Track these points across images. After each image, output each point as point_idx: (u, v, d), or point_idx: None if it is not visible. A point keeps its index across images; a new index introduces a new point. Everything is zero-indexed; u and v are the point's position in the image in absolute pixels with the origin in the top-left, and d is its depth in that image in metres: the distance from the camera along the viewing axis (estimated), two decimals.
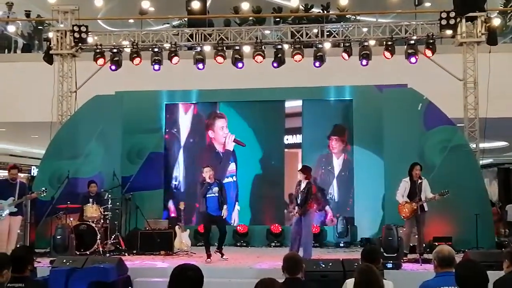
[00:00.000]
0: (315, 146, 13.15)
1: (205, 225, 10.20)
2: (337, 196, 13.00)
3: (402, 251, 9.37)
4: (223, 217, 10.05)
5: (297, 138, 13.29)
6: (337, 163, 13.06)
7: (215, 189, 9.92)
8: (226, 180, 12.86)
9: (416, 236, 9.89)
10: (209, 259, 9.69)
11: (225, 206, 9.94)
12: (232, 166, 13.25)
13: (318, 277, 7.55)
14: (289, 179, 12.92)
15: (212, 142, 13.43)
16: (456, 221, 11.11)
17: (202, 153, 13.40)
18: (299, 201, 9.80)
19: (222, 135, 13.35)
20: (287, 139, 13.35)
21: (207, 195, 9.88)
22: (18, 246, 8.52)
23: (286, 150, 13.33)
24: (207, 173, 9.95)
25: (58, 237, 10.01)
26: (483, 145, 12.34)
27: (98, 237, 10.43)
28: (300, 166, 11.23)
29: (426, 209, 9.78)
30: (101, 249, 10.39)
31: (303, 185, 9.88)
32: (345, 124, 13.12)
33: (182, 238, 10.94)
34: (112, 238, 10.93)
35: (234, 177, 13.21)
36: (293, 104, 13.39)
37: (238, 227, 12.62)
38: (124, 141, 12.58)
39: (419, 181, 9.83)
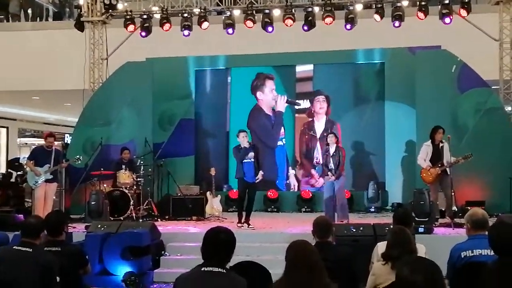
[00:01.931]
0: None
1: (241, 191, 9.98)
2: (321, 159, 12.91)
3: (434, 216, 9.29)
4: (257, 182, 9.85)
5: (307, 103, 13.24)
6: (320, 126, 12.96)
7: (251, 154, 9.73)
8: (278, 143, 13.03)
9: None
10: (240, 223, 9.73)
11: (261, 172, 9.80)
12: (282, 129, 13.22)
13: (349, 242, 7.51)
14: (299, 144, 13.13)
15: (259, 104, 13.30)
16: (489, 185, 10.96)
17: (251, 116, 13.30)
18: (330, 166, 9.78)
19: (272, 97, 13.22)
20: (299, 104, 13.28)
21: (244, 161, 9.73)
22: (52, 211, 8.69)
23: (296, 115, 13.28)
24: (244, 138, 9.81)
25: (93, 203, 10.21)
26: None
27: (131, 203, 10.59)
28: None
29: (448, 172, 9.52)
30: (134, 214, 10.55)
31: (332, 150, 9.85)
32: (375, 87, 12.95)
33: (214, 204, 11.03)
34: (145, 204, 11.09)
35: (283, 140, 13.16)
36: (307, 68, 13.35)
37: (269, 193, 12.66)
38: (155, 107, 12.65)
39: (441, 144, 9.62)
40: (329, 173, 9.84)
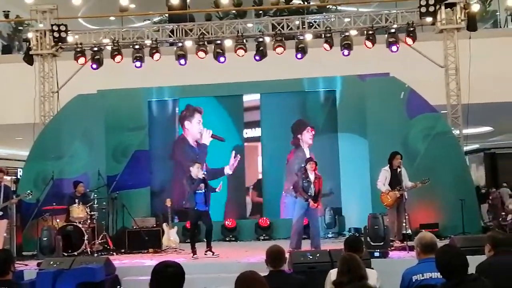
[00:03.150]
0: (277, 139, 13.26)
1: (193, 221, 10.06)
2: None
3: (389, 240, 9.42)
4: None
5: (256, 132, 13.35)
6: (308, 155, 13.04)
7: (202, 185, 9.91)
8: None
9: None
10: (196, 255, 9.68)
11: (220, 183, 10.28)
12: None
13: (306, 269, 7.56)
14: (249, 172, 13.20)
15: (184, 135, 13.37)
16: (442, 207, 11.23)
17: (175, 146, 13.38)
18: (310, 193, 9.78)
19: (198, 129, 13.29)
20: (246, 133, 13.38)
21: (197, 191, 9.84)
22: None
23: (246, 144, 13.37)
24: (199, 170, 9.95)
25: (44, 239, 9.95)
26: (467, 131, 12.42)
27: (86, 237, 10.35)
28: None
29: (406, 197, 9.85)
30: (89, 249, 10.33)
31: (312, 177, 9.88)
32: (326, 113, 13.15)
33: (170, 235, 10.91)
34: (99, 238, 10.86)
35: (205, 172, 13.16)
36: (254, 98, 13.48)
37: (226, 222, 12.61)
38: (108, 140, 12.51)
39: (399, 169, 9.95)
40: (310, 200, 9.79)
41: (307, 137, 13.14)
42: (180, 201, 12.34)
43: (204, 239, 10.15)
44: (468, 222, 10.84)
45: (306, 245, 9.93)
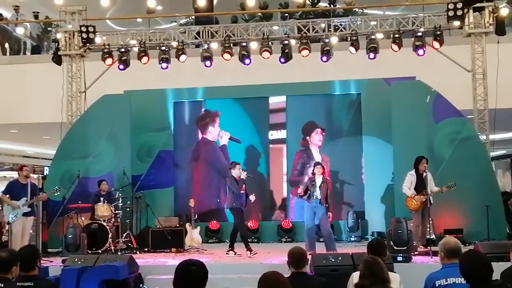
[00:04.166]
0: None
1: (241, 220, 10.33)
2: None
3: (412, 244, 9.36)
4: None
5: (281, 134, 13.41)
6: (318, 157, 12.98)
7: (243, 186, 10.20)
8: None
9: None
10: (255, 252, 9.98)
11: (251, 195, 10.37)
12: None
13: (328, 271, 7.54)
14: (274, 174, 13.25)
15: (205, 138, 13.50)
16: (467, 213, 11.09)
17: (199, 148, 13.49)
18: (316, 196, 9.85)
19: (217, 132, 13.44)
20: (271, 135, 13.43)
21: (241, 192, 10.17)
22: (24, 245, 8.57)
23: (271, 145, 13.43)
24: (240, 171, 10.21)
25: (70, 236, 10.07)
26: (494, 136, 12.26)
27: (110, 235, 10.50)
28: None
29: (432, 202, 9.82)
30: (113, 247, 10.46)
31: (319, 181, 9.90)
32: (351, 117, 13.13)
33: (193, 235, 11.00)
34: (123, 237, 10.99)
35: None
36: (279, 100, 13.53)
37: (249, 224, 12.63)
38: (133, 140, 12.64)
39: (424, 174, 9.91)
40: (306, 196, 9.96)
41: (316, 139, 13.15)
42: (205, 201, 12.54)
43: (227, 240, 10.26)
44: (493, 228, 10.68)
45: (322, 248, 9.94)
